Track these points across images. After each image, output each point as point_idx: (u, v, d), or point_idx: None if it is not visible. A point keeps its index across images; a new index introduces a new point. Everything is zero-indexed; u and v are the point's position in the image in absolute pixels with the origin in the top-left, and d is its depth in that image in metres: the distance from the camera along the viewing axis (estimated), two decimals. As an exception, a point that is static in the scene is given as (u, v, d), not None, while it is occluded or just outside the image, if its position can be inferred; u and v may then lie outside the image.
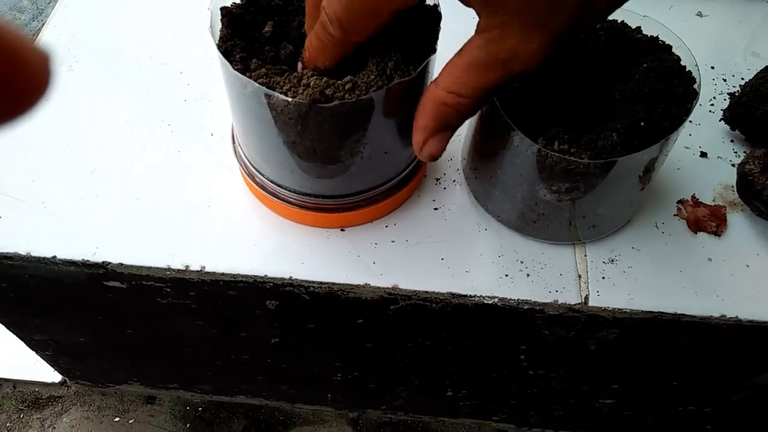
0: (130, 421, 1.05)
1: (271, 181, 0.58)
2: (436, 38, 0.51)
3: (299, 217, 0.61)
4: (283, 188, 0.58)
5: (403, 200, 0.64)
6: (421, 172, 0.64)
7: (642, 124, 0.52)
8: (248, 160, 0.60)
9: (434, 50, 0.50)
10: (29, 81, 0.16)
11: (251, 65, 0.49)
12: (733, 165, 0.69)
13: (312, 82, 0.47)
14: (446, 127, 0.48)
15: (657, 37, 0.58)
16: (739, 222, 0.65)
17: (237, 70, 0.48)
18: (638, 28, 0.59)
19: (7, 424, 1.05)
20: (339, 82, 0.47)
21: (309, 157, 0.53)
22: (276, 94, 0.46)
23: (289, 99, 0.46)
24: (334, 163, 0.53)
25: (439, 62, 0.72)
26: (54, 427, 1.05)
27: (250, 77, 0.48)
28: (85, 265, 0.60)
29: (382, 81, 0.48)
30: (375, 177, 0.59)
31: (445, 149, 0.49)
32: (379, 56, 0.49)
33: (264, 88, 0.47)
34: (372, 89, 0.47)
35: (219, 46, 0.50)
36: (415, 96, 0.52)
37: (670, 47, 0.58)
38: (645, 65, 0.57)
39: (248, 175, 0.60)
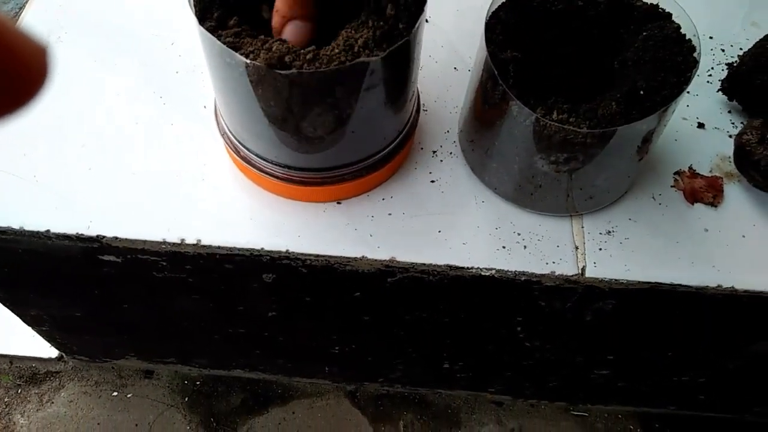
0: (128, 396, 1.06)
1: (256, 155, 0.58)
2: (415, 22, 0.49)
3: (288, 192, 0.61)
4: (267, 161, 0.58)
5: (393, 171, 0.64)
6: (410, 143, 0.63)
7: (641, 92, 0.52)
8: (231, 133, 0.59)
9: (408, 33, 0.49)
10: (27, 74, 0.16)
11: (228, 23, 0.48)
12: (731, 136, 0.69)
13: (274, 47, 0.46)
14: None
15: (657, 5, 0.57)
16: (735, 193, 0.65)
17: (208, 28, 0.47)
18: None
19: (5, 400, 1.06)
20: (302, 51, 0.47)
21: (283, 127, 0.52)
22: (236, 55, 0.45)
23: (247, 61, 0.45)
24: (309, 134, 0.52)
25: (427, 37, 0.70)
26: (52, 402, 1.05)
27: (219, 36, 0.47)
28: (80, 239, 0.59)
29: (345, 57, 0.47)
30: (360, 149, 0.58)
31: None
32: (352, 30, 0.48)
33: (225, 47, 0.46)
34: (334, 63, 0.46)
35: (194, 2, 0.49)
36: (393, 73, 0.51)
37: (669, 15, 0.57)
38: (644, 33, 0.56)
39: (233, 150, 0.60)
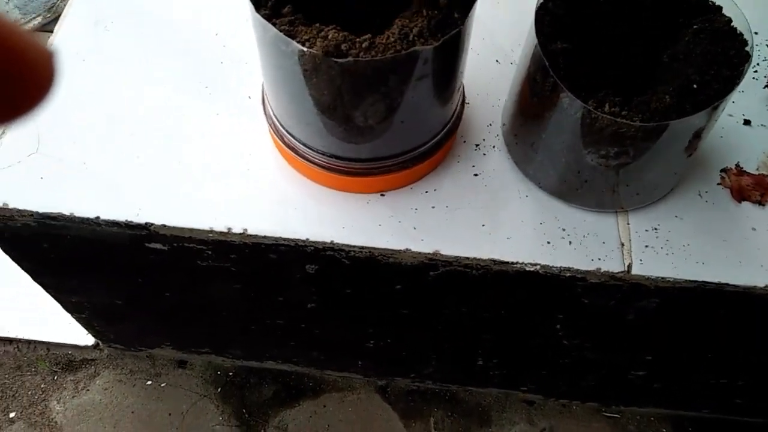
0: (162, 385, 1.07)
1: (303, 144, 0.58)
2: (468, 12, 0.49)
3: (333, 182, 0.61)
4: (313, 150, 0.58)
5: (436, 164, 0.64)
6: (454, 135, 0.63)
7: (695, 86, 0.51)
8: (279, 122, 0.59)
9: (462, 23, 0.49)
10: (35, 79, 0.16)
11: (282, 12, 0.49)
12: (779, 134, 0.68)
13: (330, 35, 0.47)
14: None
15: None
16: (785, 192, 0.64)
17: (263, 15, 0.47)
18: None
19: (42, 386, 1.07)
20: (358, 39, 0.47)
21: (333, 116, 0.52)
22: (292, 42, 0.46)
23: (304, 48, 0.45)
24: (360, 123, 0.52)
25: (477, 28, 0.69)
26: (87, 389, 1.07)
27: (274, 24, 0.47)
28: (128, 226, 0.60)
29: (401, 45, 0.47)
30: (407, 140, 0.58)
31: None
32: (407, 20, 0.48)
33: (282, 34, 0.46)
34: (390, 52, 0.46)
35: None
36: (444, 63, 0.51)
37: (720, 8, 0.56)
38: (695, 26, 0.55)
39: (280, 139, 0.60)
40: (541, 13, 0.55)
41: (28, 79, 0.16)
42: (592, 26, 0.57)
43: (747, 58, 0.53)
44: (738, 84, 0.51)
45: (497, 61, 0.73)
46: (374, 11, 0.60)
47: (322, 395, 1.07)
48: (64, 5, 0.76)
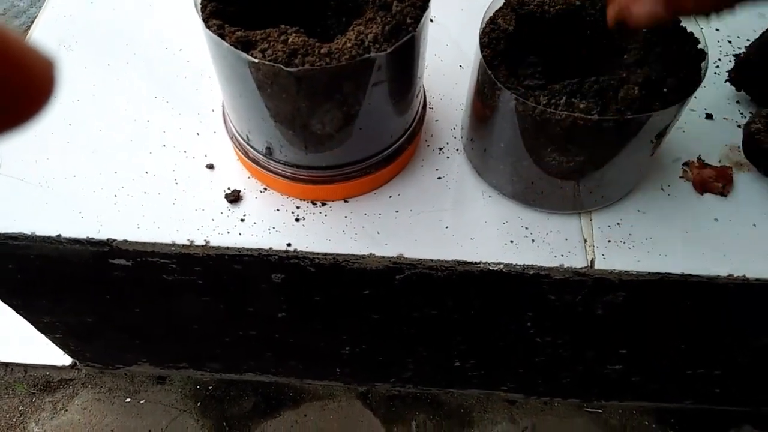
0: (142, 402, 1.06)
1: (264, 155, 0.58)
2: (420, 18, 0.49)
3: (295, 192, 0.61)
4: (274, 161, 0.58)
5: (400, 168, 0.64)
6: (416, 140, 0.63)
7: (665, 88, 0.51)
8: (239, 134, 0.59)
9: (414, 29, 0.49)
10: (34, 87, 0.16)
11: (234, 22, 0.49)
12: (739, 126, 0.69)
13: (291, 39, 0.47)
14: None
15: None
16: (745, 182, 0.65)
17: (213, 27, 0.47)
18: None
19: (20, 408, 1.06)
20: (316, 45, 0.47)
21: (290, 125, 0.52)
22: (242, 54, 0.46)
23: (255, 60, 0.45)
24: (317, 131, 0.52)
25: (433, 36, 0.70)
26: (66, 410, 1.06)
27: (224, 35, 0.47)
28: (90, 243, 0.60)
29: (357, 51, 0.47)
30: (368, 146, 0.58)
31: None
32: (362, 26, 0.49)
33: (231, 47, 0.46)
34: (345, 58, 0.46)
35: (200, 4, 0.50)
36: (399, 69, 0.51)
37: None
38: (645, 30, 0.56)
39: (242, 152, 0.60)
40: (489, 27, 0.56)
41: (28, 87, 0.16)
42: (541, 38, 0.58)
43: (703, 55, 0.53)
44: (701, 82, 0.51)
45: (461, 66, 0.74)
46: (330, 14, 0.60)
47: (303, 404, 1.07)
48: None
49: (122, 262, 0.63)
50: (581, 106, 0.50)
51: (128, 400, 1.07)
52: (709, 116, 0.70)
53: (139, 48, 0.73)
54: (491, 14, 0.57)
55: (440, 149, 0.67)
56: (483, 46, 0.55)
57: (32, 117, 0.16)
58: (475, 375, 0.94)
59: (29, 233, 0.60)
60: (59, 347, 0.96)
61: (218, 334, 0.83)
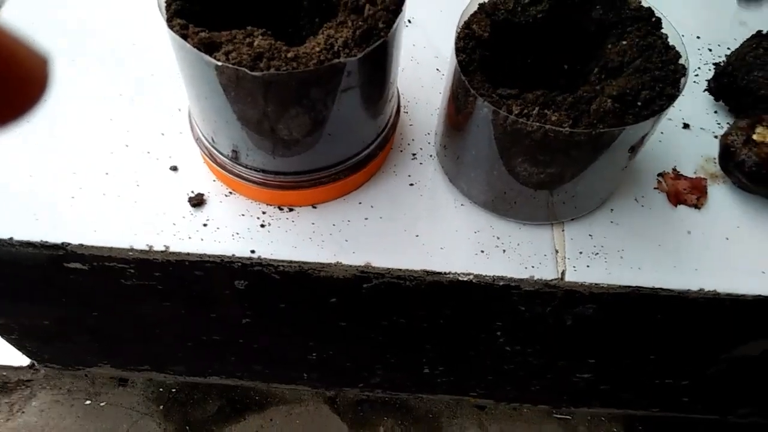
0: (102, 404, 1.03)
1: (230, 159, 0.56)
2: (393, 23, 0.48)
3: (262, 197, 0.59)
4: (241, 166, 0.56)
5: (371, 174, 0.62)
6: (388, 145, 0.62)
7: (639, 100, 0.50)
8: (205, 137, 0.57)
9: (386, 34, 0.47)
10: (26, 84, 0.16)
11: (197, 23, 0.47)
12: (716, 136, 0.68)
13: (257, 42, 0.45)
14: None
15: (638, 7, 0.56)
16: (719, 194, 0.65)
17: (176, 27, 0.45)
18: None
19: (-25, 409, 1.03)
20: (283, 48, 0.45)
21: (257, 129, 0.50)
22: (206, 56, 0.44)
23: (219, 63, 0.43)
24: (284, 136, 0.51)
25: (410, 37, 0.69)
26: (23, 411, 1.02)
27: (186, 35, 0.45)
28: (44, 246, 0.57)
29: (326, 56, 0.45)
30: (337, 152, 0.56)
31: None
32: (332, 30, 0.47)
33: (195, 49, 0.44)
34: (312, 63, 0.44)
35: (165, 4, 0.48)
36: (370, 74, 0.49)
37: (650, 17, 0.56)
38: (626, 38, 0.55)
39: (207, 155, 0.58)
40: (464, 32, 0.54)
41: (22, 83, 0.16)
42: (515, 45, 0.57)
43: (683, 70, 0.52)
44: (678, 96, 0.50)
45: (437, 69, 0.72)
46: (303, 14, 0.58)
47: (269, 408, 1.04)
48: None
49: (78, 266, 0.60)
50: (553, 118, 0.49)
51: (88, 402, 1.04)
52: (686, 126, 0.70)
53: (106, 44, 0.70)
54: (466, 18, 0.56)
55: (413, 155, 0.65)
56: (459, 50, 0.53)
57: (25, 112, 0.16)
58: (444, 381, 0.92)
59: (-21, 235, 0.57)
60: (16, 348, 0.92)
61: (181, 338, 0.81)
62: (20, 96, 0.16)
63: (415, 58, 0.73)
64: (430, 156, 0.65)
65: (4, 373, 1.06)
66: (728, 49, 0.76)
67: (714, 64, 0.75)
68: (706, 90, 0.71)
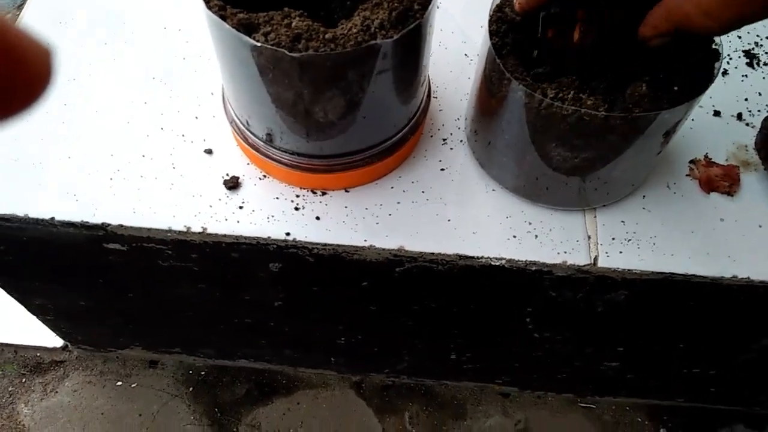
0: (133, 386, 1.05)
1: (264, 142, 0.57)
2: (428, 4, 0.48)
3: (296, 180, 0.60)
4: (275, 148, 0.57)
5: (402, 159, 0.63)
6: (420, 130, 0.62)
7: (669, 84, 0.50)
8: (239, 119, 0.58)
9: (422, 16, 0.47)
10: (30, 77, 0.16)
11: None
12: (747, 124, 0.68)
13: (294, 23, 0.45)
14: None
15: None
16: (752, 182, 0.64)
17: (214, 8, 0.46)
18: None
19: (9, 389, 1.05)
20: (321, 29, 0.45)
21: (292, 112, 0.51)
22: (244, 36, 0.44)
23: (258, 44, 0.44)
24: (320, 119, 0.51)
25: (438, 23, 0.69)
26: (56, 392, 1.05)
27: (225, 16, 0.46)
28: (84, 226, 0.58)
29: (363, 38, 0.45)
30: (370, 135, 0.57)
31: None
32: (368, 11, 0.47)
33: (233, 30, 0.44)
34: (350, 44, 0.45)
35: None
36: (405, 56, 0.50)
37: None
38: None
39: (241, 137, 0.59)
40: (497, 15, 0.54)
41: (25, 76, 0.15)
42: (549, 25, 0.57)
43: (717, 54, 0.52)
44: (714, 80, 0.50)
45: (466, 54, 0.72)
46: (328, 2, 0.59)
47: (296, 392, 1.06)
48: None
49: (117, 246, 0.62)
50: (589, 102, 0.49)
51: (119, 383, 1.06)
52: (717, 113, 0.69)
53: (137, 27, 0.72)
54: (498, 1, 0.56)
55: (444, 140, 0.65)
56: (492, 34, 0.53)
57: (29, 106, 0.16)
58: (470, 368, 0.93)
59: (22, 215, 0.58)
60: (50, 329, 0.95)
61: (213, 320, 0.82)
62: (24, 89, 0.16)
63: (443, 43, 0.73)
64: (461, 141, 0.65)
65: (38, 354, 1.09)
66: (757, 36, 0.75)
67: (743, 51, 0.74)
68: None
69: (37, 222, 0.59)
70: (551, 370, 0.91)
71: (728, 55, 0.74)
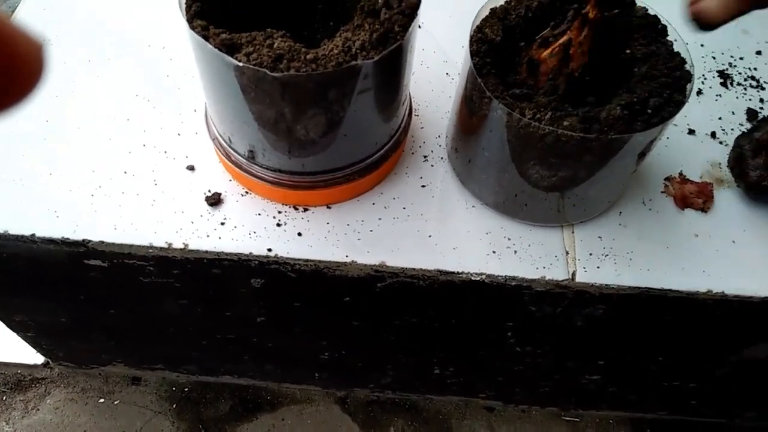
0: (115, 402, 1.04)
1: (246, 159, 0.57)
2: (409, 26, 0.49)
3: (278, 197, 0.60)
4: (257, 165, 0.57)
5: (384, 175, 0.63)
6: (401, 147, 0.63)
7: (649, 106, 0.51)
8: (221, 136, 0.58)
9: (402, 37, 0.48)
10: (22, 70, 0.16)
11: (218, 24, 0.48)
12: (721, 143, 0.69)
13: (277, 43, 0.46)
14: None
15: (644, 14, 0.57)
16: (725, 199, 0.65)
17: (197, 28, 0.47)
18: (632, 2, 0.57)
19: (-10, 407, 1.04)
20: (303, 50, 0.46)
21: (274, 130, 0.51)
22: (227, 57, 0.45)
23: (240, 64, 0.45)
24: (301, 137, 0.52)
25: (420, 42, 0.70)
26: (38, 409, 1.04)
27: (208, 36, 0.46)
28: (65, 243, 0.58)
29: (344, 58, 0.46)
30: (352, 153, 0.57)
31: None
32: (349, 32, 0.48)
33: (215, 50, 0.45)
34: (331, 65, 0.46)
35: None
36: (386, 77, 0.51)
37: (657, 23, 0.57)
38: (638, 45, 0.56)
39: (224, 154, 0.59)
40: (477, 36, 0.56)
41: (17, 70, 0.16)
42: (523, 44, 0.58)
43: (689, 77, 0.53)
44: (685, 103, 0.52)
45: (447, 73, 0.73)
46: (317, 17, 0.60)
47: (281, 408, 1.06)
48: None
49: (98, 263, 0.62)
50: (566, 123, 0.50)
51: (102, 400, 1.05)
52: (691, 132, 0.71)
53: (121, 44, 0.72)
54: (479, 23, 0.57)
55: (425, 157, 0.66)
56: (472, 54, 0.54)
57: (20, 99, 0.16)
58: (453, 381, 0.93)
59: (2, 231, 0.58)
60: (31, 346, 0.94)
61: (195, 336, 0.82)
62: (17, 81, 0.16)
63: (425, 62, 0.74)
64: (441, 158, 0.66)
65: (19, 371, 1.08)
66: (732, 57, 0.77)
67: (718, 71, 0.76)
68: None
69: (18, 238, 0.59)
70: (534, 384, 0.91)
71: (703, 75, 0.76)
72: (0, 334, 0.93)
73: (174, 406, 1.05)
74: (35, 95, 0.17)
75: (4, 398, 1.06)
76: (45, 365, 1.06)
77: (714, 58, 0.78)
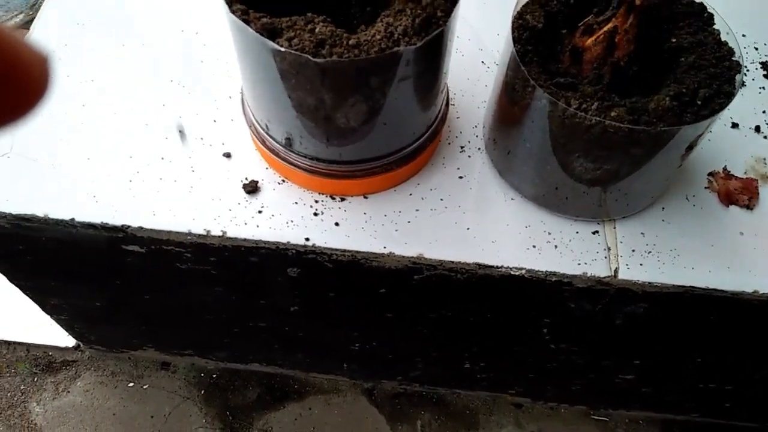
0: (144, 387, 1.05)
1: (283, 146, 0.57)
2: (451, 11, 0.48)
3: (315, 185, 0.60)
4: (294, 153, 0.57)
5: (421, 166, 0.63)
6: (438, 137, 0.62)
7: (698, 100, 0.50)
8: (258, 123, 0.58)
9: (445, 23, 0.47)
10: (27, 83, 0.16)
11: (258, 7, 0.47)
12: (765, 137, 0.67)
13: (318, 28, 0.45)
14: None
15: (693, 2, 0.55)
16: (773, 195, 0.63)
17: (238, 12, 0.46)
18: None
19: (21, 388, 1.06)
20: (345, 35, 0.45)
21: (313, 117, 0.51)
22: (269, 42, 0.44)
23: (281, 49, 0.44)
24: (341, 124, 0.51)
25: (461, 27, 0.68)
26: (68, 391, 1.05)
27: (249, 20, 0.46)
28: (104, 228, 0.59)
29: (386, 44, 0.45)
30: (390, 142, 0.57)
31: None
32: (391, 18, 0.47)
33: (257, 34, 0.44)
34: (374, 50, 0.45)
35: None
36: (427, 63, 0.50)
37: (702, 12, 0.55)
38: (681, 34, 0.54)
39: (260, 141, 0.59)
40: (518, 22, 0.54)
41: (22, 83, 0.15)
42: (568, 30, 0.57)
43: (738, 67, 0.52)
44: (735, 94, 0.50)
45: (483, 62, 0.72)
46: (354, 2, 0.59)
47: (308, 397, 1.06)
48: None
49: (136, 248, 0.62)
50: (613, 113, 0.48)
51: (131, 384, 1.06)
52: (735, 125, 0.69)
53: (155, 29, 0.72)
54: (519, 8, 0.55)
55: (462, 147, 0.65)
56: (515, 40, 0.53)
57: (27, 113, 0.16)
58: (483, 377, 0.93)
59: (42, 215, 0.59)
60: (64, 329, 0.95)
61: (228, 324, 0.82)
62: (23, 95, 0.16)
63: (460, 50, 0.73)
64: (478, 149, 0.65)
65: (50, 353, 1.09)
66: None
67: (761, 63, 0.73)
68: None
69: (57, 223, 0.59)
70: (565, 382, 0.90)
71: (746, 66, 0.73)
72: (32, 316, 0.95)
73: (202, 392, 1.06)
74: (42, 104, 0.16)
75: (35, 379, 1.07)
76: (76, 348, 1.07)
77: (756, 48, 0.75)
